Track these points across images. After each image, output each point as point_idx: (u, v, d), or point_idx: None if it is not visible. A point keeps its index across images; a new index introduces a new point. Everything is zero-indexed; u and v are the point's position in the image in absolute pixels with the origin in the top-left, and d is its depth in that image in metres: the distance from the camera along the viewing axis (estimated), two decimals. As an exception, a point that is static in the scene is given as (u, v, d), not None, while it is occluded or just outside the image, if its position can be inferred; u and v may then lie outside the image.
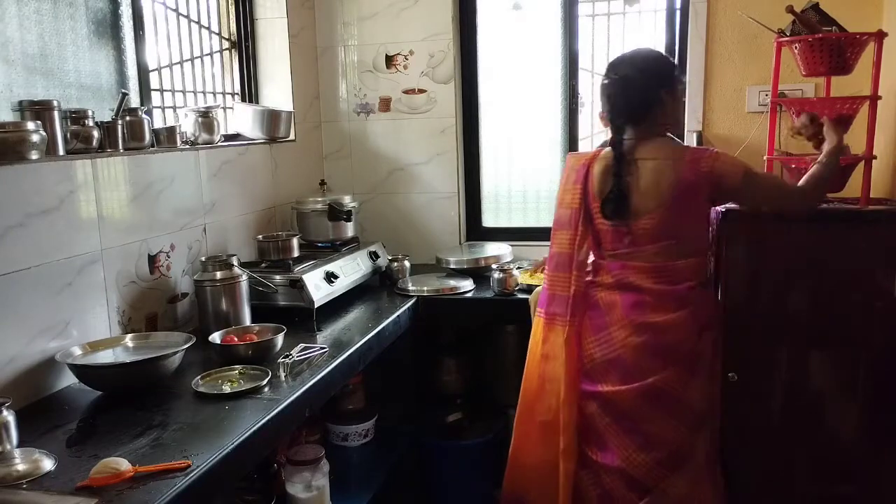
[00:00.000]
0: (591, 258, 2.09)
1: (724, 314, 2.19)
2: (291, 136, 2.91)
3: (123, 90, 2.12)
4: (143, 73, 2.30)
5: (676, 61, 2.88)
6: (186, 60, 2.59)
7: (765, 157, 2.31)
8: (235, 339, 1.97)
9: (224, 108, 2.79)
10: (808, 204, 2.05)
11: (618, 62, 2.04)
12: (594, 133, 3.14)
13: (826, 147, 2.08)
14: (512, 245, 2.98)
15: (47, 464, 1.35)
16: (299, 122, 3.00)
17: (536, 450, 2.10)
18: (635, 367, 1.94)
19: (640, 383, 1.94)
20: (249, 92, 2.93)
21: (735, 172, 1.92)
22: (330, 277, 2.43)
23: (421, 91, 3.10)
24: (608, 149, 2.02)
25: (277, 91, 2.96)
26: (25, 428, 1.46)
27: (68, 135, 1.84)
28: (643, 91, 1.96)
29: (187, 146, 2.29)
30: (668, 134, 2.05)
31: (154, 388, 1.72)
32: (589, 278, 2.07)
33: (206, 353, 1.96)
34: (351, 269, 2.60)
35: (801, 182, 2.03)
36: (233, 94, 2.89)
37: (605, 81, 2.03)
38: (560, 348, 2.03)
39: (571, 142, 3.07)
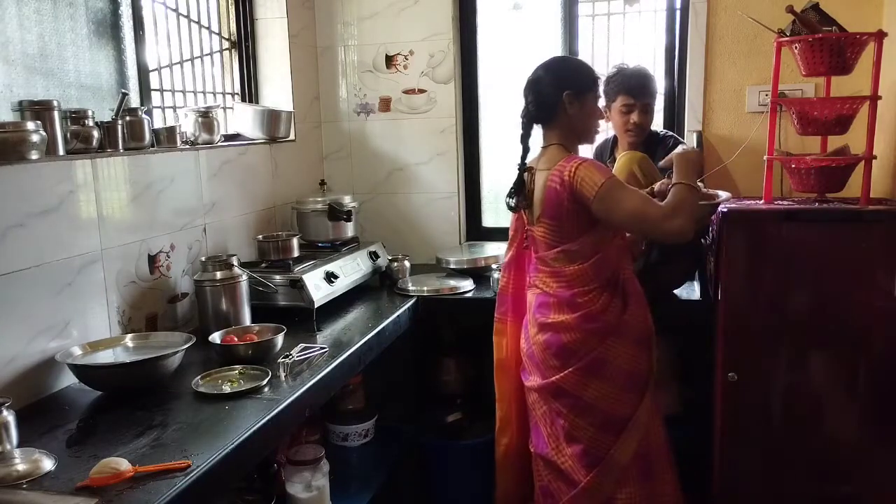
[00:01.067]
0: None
1: (725, 314, 2.19)
2: (291, 136, 2.91)
3: (123, 90, 2.12)
4: (143, 73, 2.30)
5: (676, 61, 2.89)
6: (186, 60, 2.59)
7: (765, 157, 2.31)
8: (235, 339, 1.97)
9: (224, 108, 2.79)
10: (673, 226, 1.85)
11: (539, 64, 2.11)
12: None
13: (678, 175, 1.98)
14: (512, 245, 2.98)
15: (47, 464, 1.35)
16: (299, 122, 3.00)
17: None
18: (543, 363, 2.04)
19: (547, 380, 2.03)
20: (249, 92, 2.93)
21: (591, 185, 1.87)
22: (330, 277, 2.43)
23: (421, 91, 3.10)
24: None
25: (277, 91, 2.96)
26: (25, 428, 1.46)
27: (68, 135, 1.84)
28: (545, 92, 2.02)
29: (187, 146, 2.29)
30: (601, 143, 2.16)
31: (154, 388, 1.72)
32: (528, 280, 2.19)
33: (206, 353, 1.96)
34: (351, 269, 2.60)
35: (667, 201, 1.92)
36: (233, 94, 2.89)
37: (528, 78, 2.10)
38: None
39: (571, 142, 3.07)
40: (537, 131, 2.12)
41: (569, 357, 1.99)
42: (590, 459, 1.98)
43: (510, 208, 2.13)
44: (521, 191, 2.07)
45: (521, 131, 2.11)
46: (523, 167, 2.09)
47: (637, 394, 2.01)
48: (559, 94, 2.00)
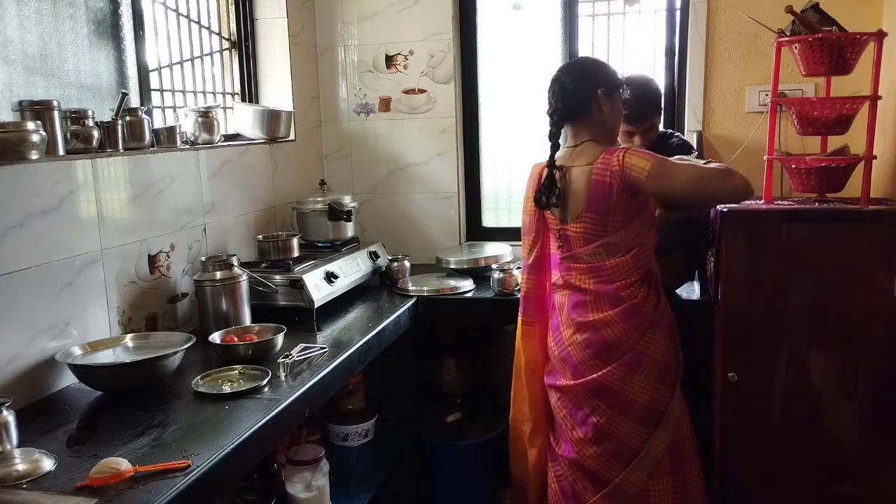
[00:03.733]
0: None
1: (724, 314, 2.19)
2: (291, 136, 2.91)
3: (123, 90, 2.12)
4: (143, 73, 2.30)
5: (676, 61, 2.89)
6: (186, 60, 2.59)
7: (765, 157, 2.31)
8: (235, 339, 1.97)
9: (224, 108, 2.79)
10: (736, 180, 1.89)
11: (564, 64, 2.15)
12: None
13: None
14: (512, 245, 2.98)
15: (47, 464, 1.35)
16: (299, 122, 3.00)
17: (523, 438, 2.24)
18: (581, 363, 2.03)
19: (584, 379, 2.02)
20: (249, 92, 2.93)
21: (641, 167, 1.91)
22: (330, 277, 2.43)
23: (421, 91, 3.10)
24: (558, 155, 2.11)
25: (277, 91, 2.96)
26: (25, 428, 1.46)
27: (68, 135, 1.84)
28: (580, 89, 2.03)
29: (187, 146, 2.29)
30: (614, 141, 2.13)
31: (154, 388, 1.72)
32: (552, 280, 2.19)
33: (206, 353, 1.96)
34: (351, 269, 2.60)
35: (712, 165, 2.01)
36: (233, 94, 2.89)
37: (554, 76, 2.09)
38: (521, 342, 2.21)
39: (571, 142, 3.07)
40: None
41: (610, 353, 2.00)
42: (626, 454, 2.00)
43: (541, 206, 2.08)
44: (553, 188, 2.04)
45: (550, 129, 2.08)
46: (553, 164, 2.06)
47: (671, 386, 2.04)
48: (593, 92, 2.03)
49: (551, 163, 2.07)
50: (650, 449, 2.00)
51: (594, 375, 2.01)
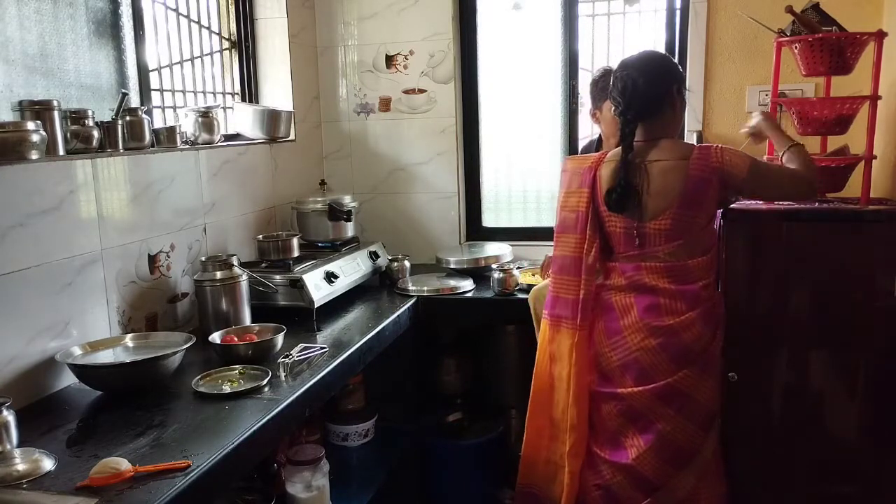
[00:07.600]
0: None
1: (724, 314, 2.19)
2: (291, 136, 2.91)
3: (123, 90, 2.12)
4: (143, 73, 2.30)
5: (676, 61, 2.89)
6: (186, 60, 2.59)
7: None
8: (235, 339, 1.97)
9: (224, 108, 2.79)
10: (813, 185, 2.03)
11: (633, 58, 2.06)
12: (593, 133, 3.14)
13: (779, 142, 2.11)
14: (512, 245, 2.99)
15: (47, 464, 1.35)
16: (299, 122, 3.00)
17: (547, 445, 2.16)
18: (652, 368, 1.97)
19: (655, 384, 1.96)
20: (249, 92, 2.93)
21: (742, 165, 1.95)
22: (330, 277, 2.43)
23: (421, 91, 3.10)
24: (615, 150, 2.05)
25: (277, 91, 2.96)
26: (25, 428, 1.46)
27: (68, 135, 1.84)
28: (657, 86, 1.99)
29: (187, 146, 2.29)
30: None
31: (154, 388, 1.72)
32: (599, 281, 2.09)
33: (206, 353, 1.96)
34: (351, 269, 2.60)
35: (794, 167, 2.03)
36: (233, 94, 2.89)
37: (622, 73, 2.01)
38: (567, 350, 2.07)
39: (571, 142, 3.08)
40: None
41: (685, 357, 1.95)
42: (682, 458, 1.97)
43: (615, 209, 1.98)
44: (632, 190, 1.96)
45: (623, 128, 1.98)
46: (628, 164, 1.96)
47: (722, 385, 2.05)
48: (668, 88, 2.01)
49: (626, 162, 1.96)
50: (703, 452, 1.98)
51: (668, 380, 1.95)
